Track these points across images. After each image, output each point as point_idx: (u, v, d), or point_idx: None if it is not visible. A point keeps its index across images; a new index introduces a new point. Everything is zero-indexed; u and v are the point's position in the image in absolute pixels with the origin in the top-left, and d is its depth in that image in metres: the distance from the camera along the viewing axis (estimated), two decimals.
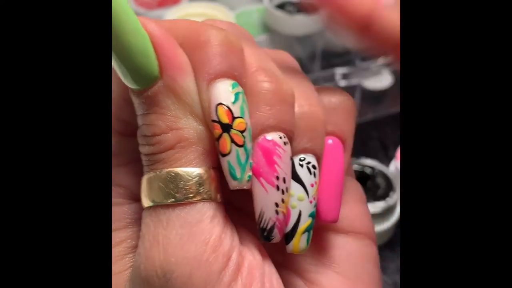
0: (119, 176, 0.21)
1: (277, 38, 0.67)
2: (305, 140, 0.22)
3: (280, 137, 0.21)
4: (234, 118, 0.20)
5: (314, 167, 0.22)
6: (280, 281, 0.21)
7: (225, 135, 0.20)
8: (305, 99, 0.22)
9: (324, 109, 0.23)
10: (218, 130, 0.20)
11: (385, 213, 0.52)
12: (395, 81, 0.67)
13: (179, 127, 0.19)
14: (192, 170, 0.19)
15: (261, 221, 0.21)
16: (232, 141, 0.20)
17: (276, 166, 0.21)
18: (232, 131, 0.20)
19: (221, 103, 0.20)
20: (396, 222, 0.53)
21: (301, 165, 0.22)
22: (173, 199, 0.19)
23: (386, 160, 0.61)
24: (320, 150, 0.22)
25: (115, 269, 0.20)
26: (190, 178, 0.19)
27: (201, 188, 0.19)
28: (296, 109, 0.22)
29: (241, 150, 0.20)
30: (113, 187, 0.21)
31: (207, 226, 0.19)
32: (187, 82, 0.20)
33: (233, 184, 0.20)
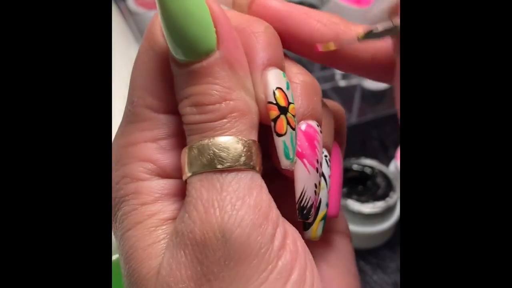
0: (149, 152, 0.21)
1: None
2: (324, 134, 0.23)
3: (317, 125, 0.23)
4: (289, 103, 0.21)
5: (329, 160, 0.24)
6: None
7: (283, 117, 0.21)
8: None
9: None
10: (275, 111, 0.21)
11: (385, 213, 0.52)
12: None
13: (232, 98, 0.20)
14: (244, 140, 0.20)
15: (301, 200, 0.22)
16: (288, 123, 0.21)
17: (316, 150, 0.22)
18: (288, 114, 0.21)
19: (279, 88, 0.21)
20: (396, 222, 0.53)
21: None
22: (228, 165, 0.19)
23: (386, 160, 0.61)
24: (331, 146, 0.24)
25: (148, 241, 0.20)
26: (242, 146, 0.20)
27: (251, 157, 0.20)
28: None
29: (293, 133, 0.21)
30: (141, 163, 0.21)
31: (258, 193, 0.20)
32: (241, 57, 0.21)
33: (285, 164, 0.21)
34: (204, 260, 0.19)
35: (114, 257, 0.30)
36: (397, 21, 0.21)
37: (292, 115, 0.21)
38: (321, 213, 0.23)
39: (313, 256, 0.25)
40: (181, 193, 0.21)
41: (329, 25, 0.23)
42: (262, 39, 0.21)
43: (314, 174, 0.22)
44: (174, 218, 0.21)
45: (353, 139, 0.64)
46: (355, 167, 0.55)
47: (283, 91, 0.21)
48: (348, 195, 0.53)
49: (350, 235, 0.28)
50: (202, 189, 0.19)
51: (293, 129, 0.21)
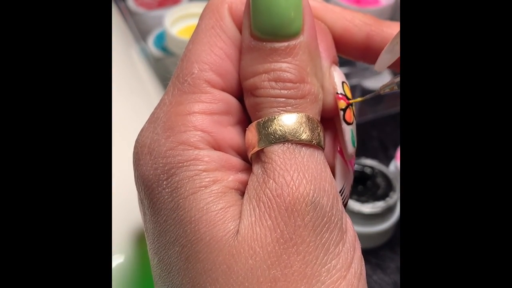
0: (206, 123, 0.21)
1: None
2: None
3: None
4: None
5: None
6: None
7: (350, 107, 0.22)
8: None
9: None
10: (345, 102, 0.22)
11: (385, 213, 0.52)
12: None
13: (309, 81, 0.21)
14: (319, 121, 0.21)
15: (341, 196, 0.22)
16: (354, 114, 0.23)
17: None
18: (352, 107, 0.23)
19: (344, 82, 0.23)
20: (396, 222, 0.53)
21: None
22: (309, 139, 0.20)
23: (386, 160, 0.61)
24: None
25: (219, 205, 0.20)
26: (319, 127, 0.21)
27: (323, 137, 0.21)
28: None
29: (355, 123, 0.23)
30: (198, 132, 0.21)
31: (328, 169, 0.21)
32: (318, 46, 0.22)
33: (351, 151, 0.22)
34: (292, 224, 0.19)
35: (117, 258, 0.30)
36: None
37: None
38: None
39: None
40: (234, 168, 0.21)
41: (361, 26, 0.24)
42: (331, 36, 0.23)
43: (352, 173, 0.23)
44: (234, 188, 0.21)
45: None
46: (355, 167, 0.55)
47: (347, 85, 0.23)
48: None
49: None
50: (285, 157, 0.20)
51: (355, 120, 0.23)
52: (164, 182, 0.20)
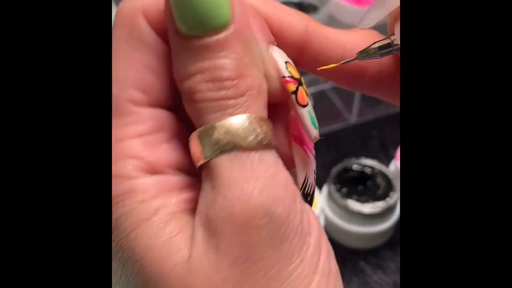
0: (135, 148, 0.20)
1: None
2: None
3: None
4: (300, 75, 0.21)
5: None
6: None
7: (301, 88, 0.20)
8: None
9: None
10: (294, 84, 0.20)
11: (385, 213, 0.52)
12: None
13: (249, 74, 0.19)
14: (264, 118, 0.19)
15: (305, 186, 0.21)
16: (306, 93, 0.21)
17: None
18: (304, 85, 0.21)
19: (288, 61, 0.20)
20: (396, 222, 0.54)
21: None
22: (255, 144, 0.19)
23: (386, 160, 0.60)
24: None
25: (163, 238, 0.19)
26: (266, 124, 0.19)
27: (271, 136, 0.19)
28: None
29: (311, 102, 0.21)
30: (130, 160, 0.20)
31: (282, 170, 0.19)
32: (253, 33, 0.20)
33: (314, 134, 0.20)
34: (248, 242, 0.18)
35: None
36: (395, 37, 0.20)
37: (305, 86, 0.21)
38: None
39: None
40: (176, 188, 0.20)
41: (300, 20, 0.22)
42: (261, 17, 0.21)
43: (313, 160, 0.21)
44: (179, 211, 0.20)
45: (353, 139, 0.64)
46: (355, 167, 0.55)
47: (291, 64, 0.21)
48: (348, 195, 0.53)
49: None
50: (233, 168, 0.19)
51: (310, 99, 0.21)
52: None
